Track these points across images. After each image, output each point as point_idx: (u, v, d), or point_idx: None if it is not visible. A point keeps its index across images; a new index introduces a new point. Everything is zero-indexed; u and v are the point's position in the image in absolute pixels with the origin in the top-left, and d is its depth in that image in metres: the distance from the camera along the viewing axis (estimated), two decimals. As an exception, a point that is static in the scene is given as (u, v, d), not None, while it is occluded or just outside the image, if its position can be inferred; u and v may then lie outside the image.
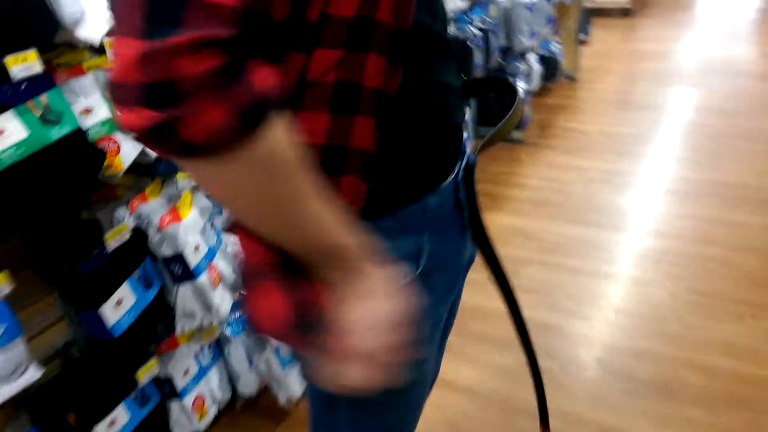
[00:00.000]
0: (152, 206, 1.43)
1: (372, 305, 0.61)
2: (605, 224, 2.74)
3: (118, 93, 0.46)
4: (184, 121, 0.45)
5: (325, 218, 0.58)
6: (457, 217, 0.80)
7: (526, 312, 1.00)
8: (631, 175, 3.16)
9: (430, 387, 1.10)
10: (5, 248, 1.35)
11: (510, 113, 0.89)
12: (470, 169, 0.81)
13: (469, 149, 0.85)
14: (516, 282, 0.95)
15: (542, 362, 1.11)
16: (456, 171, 0.79)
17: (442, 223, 0.77)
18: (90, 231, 1.38)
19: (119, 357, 1.40)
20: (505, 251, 0.98)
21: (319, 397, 0.86)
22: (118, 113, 0.47)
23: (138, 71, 0.44)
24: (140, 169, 1.48)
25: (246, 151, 0.48)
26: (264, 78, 0.48)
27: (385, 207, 0.71)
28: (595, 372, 1.94)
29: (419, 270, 0.74)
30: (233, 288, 1.59)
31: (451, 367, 1.09)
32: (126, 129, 0.47)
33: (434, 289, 0.77)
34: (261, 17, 0.49)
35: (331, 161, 0.63)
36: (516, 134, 3.55)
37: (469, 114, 3.21)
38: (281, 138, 0.51)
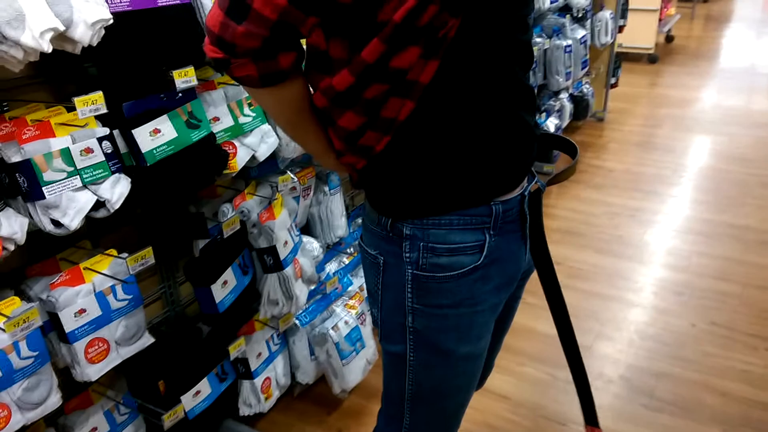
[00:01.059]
0: (250, 204, 1.64)
1: None
2: (630, 256, 2.93)
3: (208, 33, 0.80)
4: (233, 65, 0.81)
5: (314, 148, 0.97)
6: (519, 226, 0.99)
7: (554, 330, 1.18)
8: (654, 213, 3.35)
9: (484, 377, 1.29)
10: (118, 234, 1.57)
11: (574, 162, 1.10)
12: (539, 191, 1.01)
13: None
14: (543, 303, 1.14)
15: (570, 375, 1.27)
16: (524, 187, 0.98)
17: (505, 228, 0.96)
18: (198, 222, 1.59)
19: (218, 331, 1.60)
20: (535, 276, 1.16)
21: (392, 358, 1.06)
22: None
23: (218, 27, 0.77)
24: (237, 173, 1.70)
25: (268, 93, 0.85)
26: (286, 60, 0.81)
27: (455, 204, 0.90)
28: (619, 388, 2.12)
29: (480, 261, 0.94)
30: (309, 281, 1.79)
31: (490, 378, 1.31)
32: (205, 52, 0.82)
33: (491, 280, 0.97)
34: (289, 27, 0.77)
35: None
36: (546, 167, 3.75)
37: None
38: (291, 94, 0.87)
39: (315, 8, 0.76)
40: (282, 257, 1.63)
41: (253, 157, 1.55)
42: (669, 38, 7.28)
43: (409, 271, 0.94)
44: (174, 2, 1.19)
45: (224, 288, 1.51)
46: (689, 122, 4.76)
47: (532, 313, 2.34)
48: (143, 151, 1.24)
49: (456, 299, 0.96)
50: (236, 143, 1.49)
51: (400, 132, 0.87)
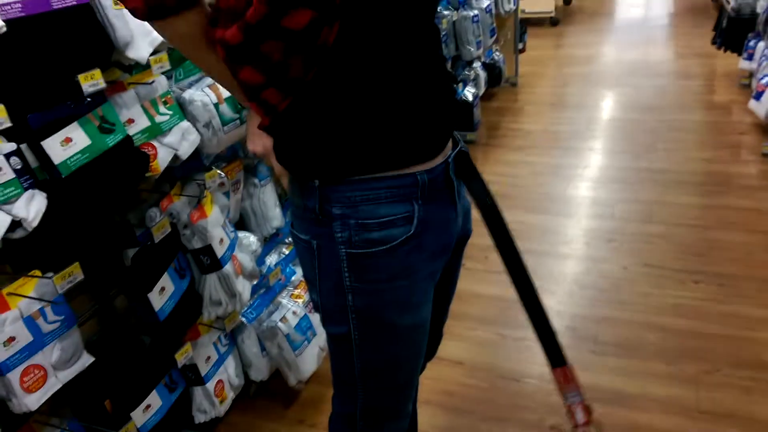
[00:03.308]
0: (178, 206, 1.57)
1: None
2: (558, 212, 3.03)
3: None
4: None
5: (222, 83, 0.95)
6: (447, 194, 0.99)
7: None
8: (575, 167, 3.47)
9: (434, 346, 1.30)
10: (40, 254, 1.47)
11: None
12: (464, 153, 1.02)
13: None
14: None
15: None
16: (448, 154, 0.98)
17: (433, 196, 0.96)
18: (125, 230, 1.52)
19: (161, 341, 1.53)
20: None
21: (336, 340, 1.06)
22: None
23: None
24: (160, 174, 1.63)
25: (161, 26, 0.85)
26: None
27: (374, 169, 0.89)
28: (565, 339, 2.18)
29: (412, 231, 0.94)
30: (251, 277, 1.75)
31: (442, 346, 1.33)
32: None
33: (424, 249, 0.97)
34: None
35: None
36: (469, 135, 3.82)
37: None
38: (184, 29, 0.85)
39: None
40: (219, 255, 1.58)
41: (176, 157, 1.48)
42: (567, 1, 7.52)
43: (343, 250, 0.93)
44: (70, 4, 1.12)
45: (162, 295, 1.45)
46: (595, 78, 4.94)
47: (473, 277, 2.38)
48: (56, 163, 1.16)
49: (393, 272, 0.95)
50: (155, 144, 1.42)
51: (307, 92, 0.85)
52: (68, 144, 1.19)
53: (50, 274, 1.25)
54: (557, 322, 2.29)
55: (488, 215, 1.07)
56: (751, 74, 3.96)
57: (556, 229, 2.87)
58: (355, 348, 1.03)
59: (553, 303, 2.37)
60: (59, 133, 1.18)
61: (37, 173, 1.20)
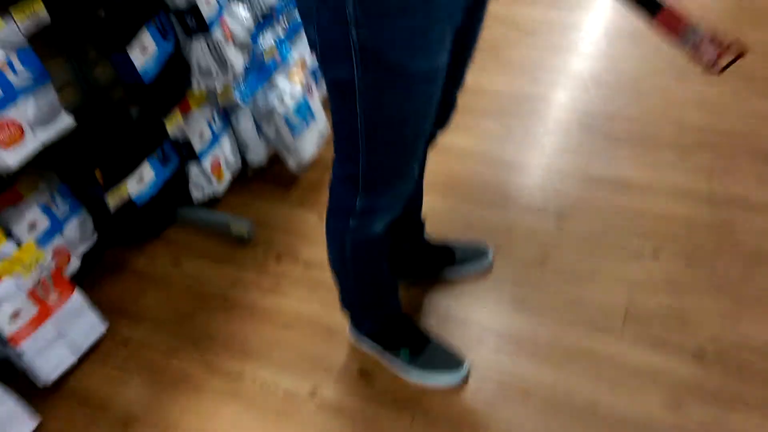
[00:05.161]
0: (156, -43, 1.39)
1: None
2: (577, 5, 2.80)
3: None
4: None
5: None
6: None
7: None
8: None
9: (448, 113, 1.20)
10: None
11: None
12: None
13: None
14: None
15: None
16: None
17: None
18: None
19: (150, 110, 1.44)
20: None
21: (336, 87, 0.94)
22: None
23: None
24: None
25: None
26: None
27: None
28: (578, 131, 2.09)
29: None
30: (243, 47, 1.60)
31: (448, 137, 1.23)
32: None
33: None
34: None
35: None
36: None
37: None
38: None
39: None
40: (206, 15, 1.42)
41: None
42: None
43: None
44: None
45: (144, 54, 1.32)
46: None
47: (482, 70, 2.23)
48: None
49: (407, 1, 0.81)
50: None
51: None
52: None
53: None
54: (569, 116, 2.20)
55: None
56: None
57: (575, 25, 2.66)
58: (359, 95, 0.91)
59: (565, 99, 2.25)
60: None
61: None
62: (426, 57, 0.89)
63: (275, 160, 1.94)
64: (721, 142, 1.97)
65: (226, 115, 1.80)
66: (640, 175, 1.87)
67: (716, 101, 2.14)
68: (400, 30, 0.84)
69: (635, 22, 2.55)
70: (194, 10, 1.41)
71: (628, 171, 1.89)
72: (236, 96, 1.70)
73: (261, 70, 1.77)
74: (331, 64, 0.91)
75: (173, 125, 1.50)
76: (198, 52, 1.48)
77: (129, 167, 1.52)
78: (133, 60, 1.29)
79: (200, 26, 1.43)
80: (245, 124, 1.81)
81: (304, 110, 1.84)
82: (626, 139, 2.02)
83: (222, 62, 1.52)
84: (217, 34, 1.48)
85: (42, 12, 1.09)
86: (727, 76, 2.26)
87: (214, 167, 1.74)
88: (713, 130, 2.02)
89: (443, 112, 1.18)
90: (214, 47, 1.49)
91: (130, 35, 1.28)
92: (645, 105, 2.17)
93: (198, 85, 1.54)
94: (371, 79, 0.89)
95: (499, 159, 1.99)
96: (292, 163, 1.88)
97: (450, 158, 1.97)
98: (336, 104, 0.98)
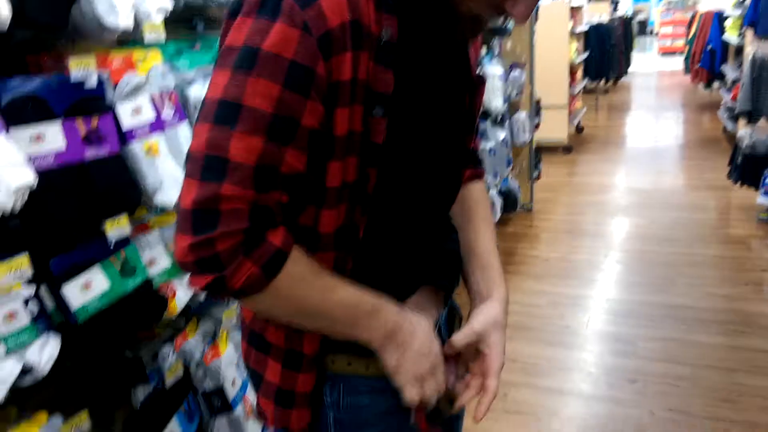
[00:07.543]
0: (192, 343, 1.54)
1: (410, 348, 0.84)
2: (579, 346, 2.95)
3: (183, 267, 0.70)
4: (228, 278, 0.68)
5: (348, 302, 0.78)
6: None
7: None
8: (594, 299, 3.42)
9: None
10: (46, 392, 1.43)
11: None
12: (453, 311, 1.03)
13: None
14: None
15: None
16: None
17: None
18: (136, 367, 1.48)
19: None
20: None
21: None
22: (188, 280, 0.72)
23: (190, 255, 0.67)
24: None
25: (273, 288, 0.71)
26: (277, 237, 0.71)
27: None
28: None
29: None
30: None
31: None
32: (193, 287, 0.71)
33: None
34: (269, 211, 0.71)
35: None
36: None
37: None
38: (297, 270, 0.73)
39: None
40: (230, 397, 1.53)
41: (194, 295, 1.47)
42: (579, 129, 7.77)
43: (331, 414, 0.89)
44: (103, 156, 1.15)
45: (169, 442, 1.39)
46: (609, 207, 4.99)
47: (490, 416, 2.28)
48: (74, 309, 1.15)
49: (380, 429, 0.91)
50: (175, 284, 1.42)
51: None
52: (88, 289, 1.19)
53: (58, 418, 1.20)
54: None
55: None
56: (768, 209, 3.97)
57: (578, 366, 2.78)
58: None
59: (576, 450, 2.25)
60: (79, 277, 1.18)
61: (53, 315, 1.19)
62: None
63: None
64: None
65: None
66: None
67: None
68: None
69: (632, 363, 2.69)
70: (220, 392, 1.51)
71: None
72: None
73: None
74: None
75: None
76: (219, 430, 1.54)
77: None
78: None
79: (224, 407, 1.52)
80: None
81: None
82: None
83: None
84: (239, 410, 1.57)
85: (86, 422, 1.18)
86: (731, 427, 2.22)
87: None
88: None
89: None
90: (234, 424, 1.56)
91: (160, 427, 1.36)
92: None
93: (214, 461, 1.57)
94: None
95: None
96: None
97: None
98: None
